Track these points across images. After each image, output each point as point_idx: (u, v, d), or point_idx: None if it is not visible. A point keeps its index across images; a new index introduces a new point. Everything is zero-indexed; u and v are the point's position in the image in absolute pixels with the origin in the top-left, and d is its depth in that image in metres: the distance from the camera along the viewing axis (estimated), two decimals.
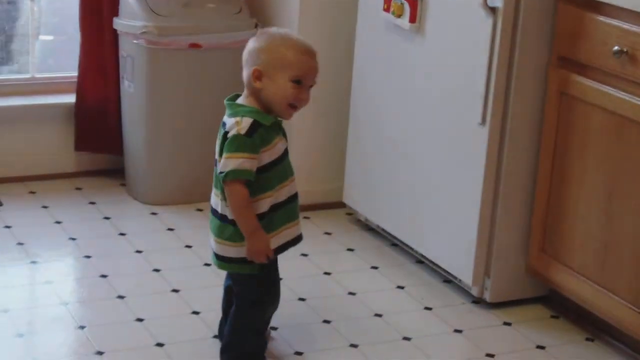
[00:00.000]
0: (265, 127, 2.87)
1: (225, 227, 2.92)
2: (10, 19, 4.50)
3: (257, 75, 2.87)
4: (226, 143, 2.86)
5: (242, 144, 2.84)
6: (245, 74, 2.91)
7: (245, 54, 2.93)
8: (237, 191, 2.85)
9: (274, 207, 2.93)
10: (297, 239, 3.02)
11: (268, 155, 2.89)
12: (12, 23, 4.51)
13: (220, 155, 2.89)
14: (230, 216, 2.91)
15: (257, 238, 2.88)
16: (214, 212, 2.97)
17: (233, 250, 2.93)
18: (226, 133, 2.87)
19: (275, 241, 2.94)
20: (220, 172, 2.86)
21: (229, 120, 2.89)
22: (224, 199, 2.91)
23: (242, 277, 2.97)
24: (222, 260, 2.96)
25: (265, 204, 2.91)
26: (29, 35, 4.37)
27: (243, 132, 2.84)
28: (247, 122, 2.85)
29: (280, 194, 2.94)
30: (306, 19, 4.03)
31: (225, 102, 2.95)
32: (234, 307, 3.01)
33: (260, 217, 2.90)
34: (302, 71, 2.88)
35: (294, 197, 2.99)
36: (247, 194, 2.85)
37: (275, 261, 3.03)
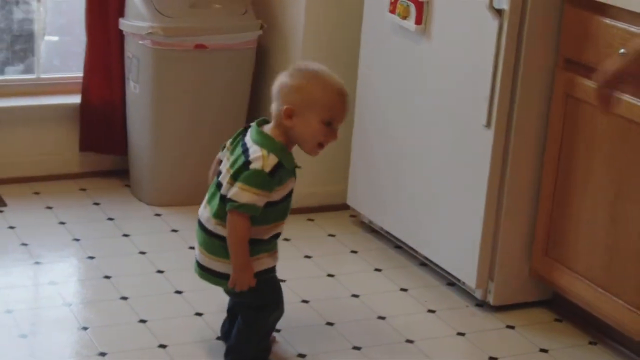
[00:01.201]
0: (285, 169, 2.88)
1: (211, 241, 2.94)
2: (16, 19, 4.50)
3: (289, 114, 2.87)
4: (247, 174, 2.84)
5: (263, 182, 2.84)
6: (275, 107, 2.90)
7: (276, 88, 2.91)
8: (242, 224, 2.86)
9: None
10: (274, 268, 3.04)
11: (277, 194, 2.90)
12: (18, 23, 4.52)
13: (233, 177, 2.86)
14: (217, 232, 2.92)
15: (245, 272, 2.90)
16: (200, 223, 2.98)
17: (216, 264, 2.95)
18: (248, 162, 2.85)
19: (258, 264, 2.95)
20: (230, 200, 2.85)
21: (253, 148, 2.87)
22: (216, 216, 2.90)
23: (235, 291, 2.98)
24: (203, 271, 2.99)
25: (270, 231, 2.94)
26: (34, 35, 4.37)
27: (267, 169, 2.83)
28: (273, 160, 2.85)
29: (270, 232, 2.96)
30: (312, 20, 4.03)
31: (254, 125, 2.93)
32: (239, 312, 3.02)
33: (258, 242, 2.92)
34: (334, 113, 2.89)
35: (277, 235, 3.01)
36: (249, 229, 2.87)
37: (274, 275, 3.04)
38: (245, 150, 2.88)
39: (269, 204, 2.88)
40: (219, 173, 2.97)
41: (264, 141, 2.88)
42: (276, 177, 2.86)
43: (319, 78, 2.92)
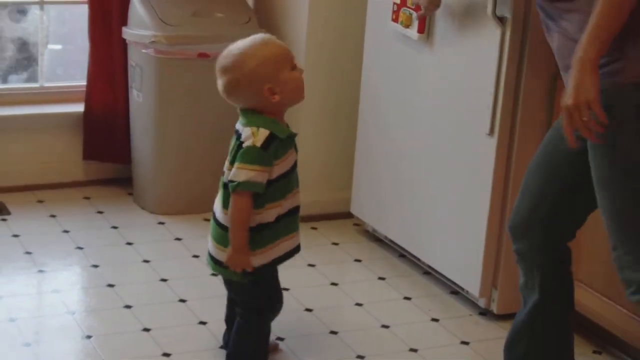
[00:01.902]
0: (281, 140, 2.88)
1: (222, 233, 2.93)
2: (19, 28, 4.51)
3: (272, 91, 2.86)
4: (240, 153, 2.85)
5: (257, 156, 2.84)
6: (249, 99, 2.88)
7: (230, 87, 2.87)
8: (243, 204, 2.86)
9: (278, 218, 2.93)
10: (296, 250, 3.03)
11: (279, 168, 2.90)
12: (21, 32, 4.52)
13: (232, 163, 2.89)
14: (226, 223, 2.92)
15: (242, 254, 2.89)
16: (214, 217, 2.98)
17: (225, 255, 2.93)
18: (241, 142, 2.87)
19: (275, 252, 2.95)
20: (231, 181, 2.86)
21: (244, 130, 2.88)
22: (225, 206, 2.91)
23: (242, 285, 2.97)
24: (217, 264, 2.98)
25: (273, 213, 2.92)
26: (38, 44, 4.38)
27: (259, 144, 2.84)
28: (263, 134, 2.85)
29: (285, 205, 2.95)
30: (314, 29, 4.03)
31: (240, 111, 2.94)
32: (237, 318, 3.02)
33: (266, 226, 2.91)
34: (290, 56, 2.90)
35: (295, 210, 2.99)
36: (251, 209, 2.87)
37: (275, 269, 3.04)
38: (239, 137, 2.90)
39: (273, 181, 2.88)
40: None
41: (252, 119, 2.88)
42: (271, 150, 2.85)
43: (256, 44, 2.89)
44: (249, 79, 2.86)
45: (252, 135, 2.85)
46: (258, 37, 2.93)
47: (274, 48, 2.89)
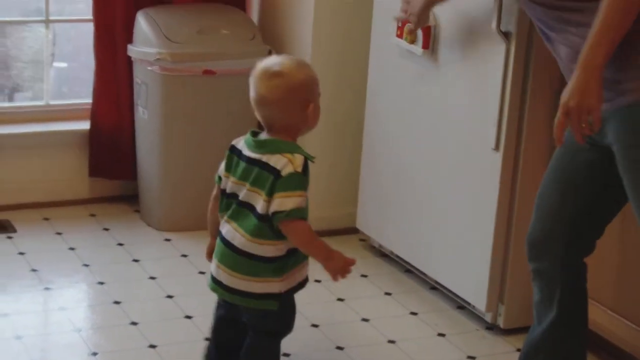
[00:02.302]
0: (307, 162, 2.85)
1: (248, 263, 2.84)
2: (24, 46, 4.53)
3: (311, 109, 2.84)
4: (281, 182, 2.77)
5: (301, 183, 2.80)
6: (288, 112, 2.81)
7: (284, 88, 2.79)
8: (303, 228, 2.80)
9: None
10: (307, 280, 2.99)
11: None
12: (26, 50, 4.54)
13: (268, 194, 2.78)
14: (255, 252, 2.83)
15: (334, 258, 2.86)
16: (231, 246, 2.86)
17: (257, 286, 2.85)
18: (277, 172, 2.78)
19: (300, 276, 2.92)
20: (277, 213, 2.77)
21: (275, 158, 2.80)
22: (256, 235, 2.82)
23: (263, 311, 2.89)
24: (240, 295, 2.86)
25: None
26: (43, 62, 4.39)
27: (300, 169, 2.79)
28: (300, 159, 2.80)
29: None
30: (319, 45, 4.04)
31: (254, 140, 2.86)
32: (249, 342, 2.93)
33: (294, 251, 2.86)
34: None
35: None
36: (310, 228, 2.82)
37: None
38: (264, 165, 2.81)
39: None
40: (225, 195, 2.91)
41: (280, 146, 2.82)
42: (307, 173, 2.83)
43: (302, 61, 2.89)
44: (300, 88, 2.81)
45: (289, 162, 2.79)
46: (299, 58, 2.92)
47: (312, 72, 2.87)
